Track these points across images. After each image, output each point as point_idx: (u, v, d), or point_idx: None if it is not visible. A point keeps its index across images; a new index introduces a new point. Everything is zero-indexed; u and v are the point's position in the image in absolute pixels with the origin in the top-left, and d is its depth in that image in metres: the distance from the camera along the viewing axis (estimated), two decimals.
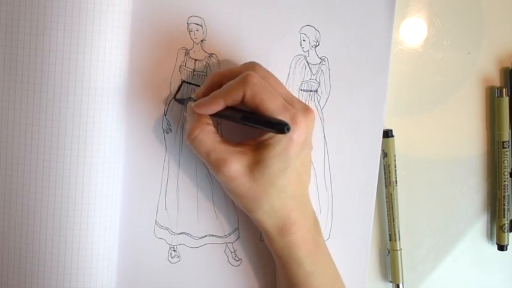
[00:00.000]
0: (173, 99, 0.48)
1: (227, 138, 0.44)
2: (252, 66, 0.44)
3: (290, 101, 0.43)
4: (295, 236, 0.44)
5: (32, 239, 0.46)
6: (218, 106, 0.42)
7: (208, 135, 0.43)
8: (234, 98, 0.42)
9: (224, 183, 0.44)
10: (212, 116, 0.44)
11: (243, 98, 0.42)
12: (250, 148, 0.43)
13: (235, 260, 0.50)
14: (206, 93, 0.44)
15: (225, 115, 0.43)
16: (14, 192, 0.46)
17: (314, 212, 0.47)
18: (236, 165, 0.42)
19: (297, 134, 0.42)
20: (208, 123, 0.43)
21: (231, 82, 0.43)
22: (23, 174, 0.46)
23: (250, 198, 0.43)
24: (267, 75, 0.44)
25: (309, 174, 0.46)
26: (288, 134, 0.41)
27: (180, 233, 0.49)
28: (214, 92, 0.43)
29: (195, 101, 0.44)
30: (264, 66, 0.46)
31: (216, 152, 0.42)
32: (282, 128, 0.40)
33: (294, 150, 0.42)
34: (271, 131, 0.41)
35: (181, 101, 0.47)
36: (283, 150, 0.42)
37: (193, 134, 0.43)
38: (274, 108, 0.41)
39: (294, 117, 0.42)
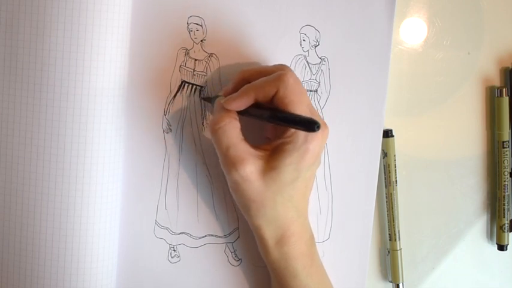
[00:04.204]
0: (200, 99, 0.48)
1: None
2: (284, 67, 0.44)
3: (312, 112, 0.43)
4: (293, 247, 0.44)
5: (32, 239, 0.46)
6: (249, 100, 0.42)
7: (234, 129, 0.42)
8: (266, 93, 0.42)
9: (235, 183, 0.43)
10: (239, 113, 0.43)
11: (274, 95, 0.41)
12: (267, 153, 0.43)
13: (235, 260, 0.50)
14: (235, 90, 0.44)
15: (253, 113, 0.43)
16: (14, 192, 0.46)
17: (310, 225, 0.47)
18: (252, 167, 0.42)
19: (313, 144, 0.42)
20: (236, 118, 0.43)
21: (265, 78, 0.42)
22: (23, 174, 0.46)
23: (257, 203, 0.43)
24: (297, 80, 0.43)
25: (311, 190, 0.46)
26: (306, 144, 0.41)
27: (180, 233, 0.49)
28: (245, 86, 0.43)
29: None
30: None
31: (235, 149, 0.42)
32: (312, 125, 0.39)
33: (308, 161, 0.42)
34: (300, 129, 0.40)
35: (208, 99, 0.47)
36: (298, 159, 0.42)
37: (219, 124, 0.42)
38: (301, 113, 0.41)
39: None
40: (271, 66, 0.45)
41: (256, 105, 0.43)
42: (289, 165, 0.42)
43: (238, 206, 0.45)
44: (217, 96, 0.45)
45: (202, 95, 0.48)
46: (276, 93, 0.41)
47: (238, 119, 0.43)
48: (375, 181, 0.50)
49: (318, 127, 0.39)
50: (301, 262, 0.45)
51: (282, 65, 0.45)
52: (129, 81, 0.47)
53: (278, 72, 0.42)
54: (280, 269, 0.45)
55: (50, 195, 0.45)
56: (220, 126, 0.42)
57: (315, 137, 0.42)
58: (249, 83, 0.43)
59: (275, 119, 0.41)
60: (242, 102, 0.42)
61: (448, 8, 0.52)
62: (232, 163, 0.42)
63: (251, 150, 0.42)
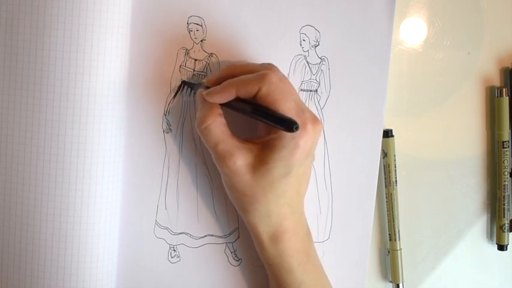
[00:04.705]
0: (182, 84, 0.48)
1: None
2: (270, 67, 0.44)
3: (301, 108, 0.43)
4: (287, 244, 0.44)
5: (32, 239, 0.46)
6: (230, 95, 0.43)
7: (219, 127, 0.43)
8: (248, 91, 0.42)
9: (226, 176, 0.43)
10: (221, 105, 0.44)
11: (257, 93, 0.42)
12: (257, 147, 0.43)
13: (235, 260, 0.50)
14: (218, 82, 0.44)
15: (235, 106, 0.43)
16: (14, 192, 0.46)
17: (307, 222, 0.47)
18: (241, 160, 0.42)
19: (304, 140, 0.42)
20: (220, 114, 0.43)
21: (248, 75, 0.43)
22: (23, 174, 0.46)
23: (248, 197, 0.43)
24: (283, 79, 0.44)
25: (307, 185, 0.46)
26: (295, 140, 0.41)
27: (180, 233, 0.49)
28: (228, 80, 0.43)
29: (206, 87, 0.44)
30: None
31: (224, 144, 0.42)
32: (290, 125, 0.40)
33: (299, 157, 0.42)
34: (279, 128, 0.41)
35: (191, 85, 0.47)
36: (288, 154, 0.42)
37: (205, 124, 0.43)
38: (286, 111, 0.42)
39: (303, 123, 0.42)
40: (258, 64, 0.46)
41: (241, 100, 0.43)
42: (279, 160, 0.42)
43: (232, 202, 0.46)
44: (200, 84, 0.46)
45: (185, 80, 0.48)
46: (259, 91, 0.42)
47: (225, 112, 0.43)
48: (375, 181, 0.50)
49: (297, 128, 0.39)
50: (296, 259, 0.45)
51: (269, 64, 0.45)
52: (129, 81, 0.47)
53: (261, 72, 0.43)
54: (275, 266, 0.45)
55: (50, 195, 0.45)
56: (206, 126, 0.43)
57: (305, 132, 0.42)
58: (234, 77, 0.44)
59: (257, 115, 0.42)
60: (223, 97, 0.43)
61: (448, 8, 0.52)
62: (221, 158, 0.42)
63: (239, 144, 0.43)
